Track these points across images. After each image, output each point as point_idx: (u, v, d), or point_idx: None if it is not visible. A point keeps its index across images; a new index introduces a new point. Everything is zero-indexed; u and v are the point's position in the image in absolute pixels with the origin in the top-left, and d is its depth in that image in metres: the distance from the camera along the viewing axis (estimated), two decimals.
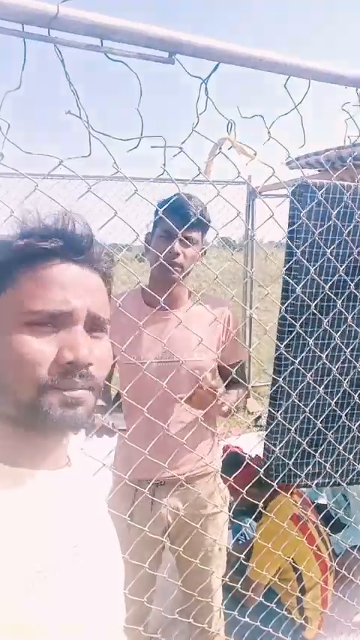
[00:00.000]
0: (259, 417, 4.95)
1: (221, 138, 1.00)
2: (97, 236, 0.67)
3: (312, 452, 1.70)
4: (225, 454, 2.59)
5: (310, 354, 1.62)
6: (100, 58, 0.85)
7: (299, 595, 2.07)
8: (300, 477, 1.72)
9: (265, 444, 1.71)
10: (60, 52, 0.82)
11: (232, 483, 1.68)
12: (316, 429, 1.67)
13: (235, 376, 1.49)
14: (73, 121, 0.85)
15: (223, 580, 1.65)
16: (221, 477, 1.85)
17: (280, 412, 1.61)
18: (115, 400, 1.62)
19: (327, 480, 1.82)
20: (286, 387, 1.58)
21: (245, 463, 1.77)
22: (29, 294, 0.59)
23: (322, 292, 1.51)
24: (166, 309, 1.43)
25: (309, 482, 1.76)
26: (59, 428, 0.60)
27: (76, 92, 0.85)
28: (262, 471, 1.68)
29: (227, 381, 1.57)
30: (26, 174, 0.88)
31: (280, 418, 1.59)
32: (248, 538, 2.74)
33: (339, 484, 1.84)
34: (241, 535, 2.79)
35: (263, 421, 4.94)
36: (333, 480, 1.82)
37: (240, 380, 1.56)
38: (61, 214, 0.63)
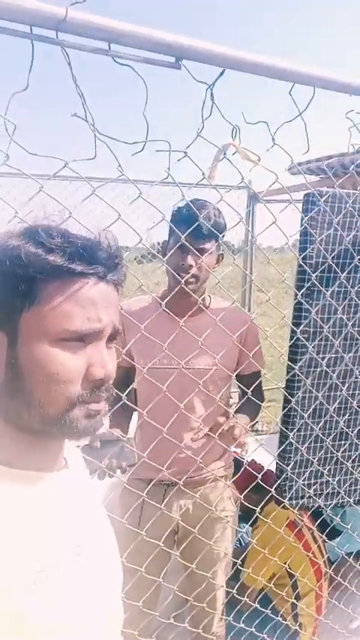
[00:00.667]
0: (257, 422, 4.95)
1: (226, 143, 1.00)
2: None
3: (326, 471, 1.67)
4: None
5: (322, 372, 1.60)
6: (106, 60, 0.85)
7: (294, 601, 2.06)
8: (313, 496, 1.70)
9: (277, 464, 1.68)
10: (67, 54, 0.82)
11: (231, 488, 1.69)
12: (328, 448, 1.65)
13: (249, 391, 1.49)
14: (78, 123, 0.85)
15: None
16: None
17: (293, 431, 1.59)
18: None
19: (342, 501, 1.79)
20: (299, 409, 1.57)
21: (243, 468, 1.77)
22: (64, 313, 0.59)
23: (335, 312, 1.51)
24: (183, 316, 1.44)
25: (325, 503, 1.73)
26: (80, 437, 0.63)
27: (83, 95, 0.85)
28: (273, 490, 1.66)
29: (243, 395, 1.58)
30: (31, 175, 0.88)
31: (293, 439, 1.57)
32: (244, 543, 2.74)
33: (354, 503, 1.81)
34: (237, 540, 2.79)
35: (259, 426, 4.94)
36: (348, 500, 1.80)
37: (254, 398, 1.57)
38: (95, 232, 0.63)
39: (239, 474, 1.73)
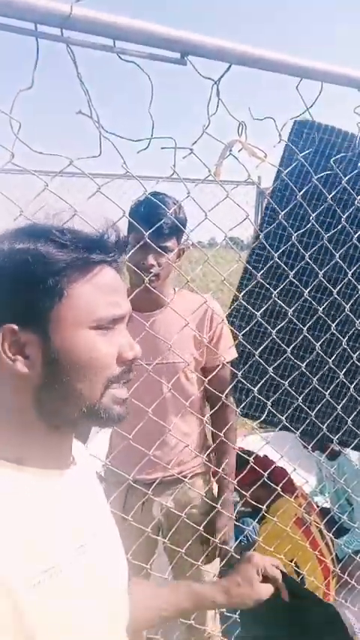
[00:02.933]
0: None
1: (232, 139, 1.00)
2: None
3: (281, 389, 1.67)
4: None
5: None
6: (111, 57, 0.85)
7: None
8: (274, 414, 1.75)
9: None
10: (72, 52, 0.82)
11: (235, 485, 1.68)
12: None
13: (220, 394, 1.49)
14: (84, 121, 0.85)
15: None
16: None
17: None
18: None
19: (306, 428, 1.82)
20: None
21: (246, 463, 1.77)
22: (94, 302, 0.62)
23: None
24: (148, 312, 1.45)
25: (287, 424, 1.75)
26: (105, 424, 0.65)
27: (88, 92, 0.85)
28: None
29: (205, 390, 1.58)
30: (34, 173, 0.88)
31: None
32: (251, 540, 2.74)
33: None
34: (244, 537, 2.79)
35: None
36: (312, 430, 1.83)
37: (227, 400, 1.56)
38: (105, 223, 0.65)
39: (246, 470, 1.73)
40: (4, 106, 0.78)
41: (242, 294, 1.61)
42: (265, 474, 1.63)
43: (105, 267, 0.64)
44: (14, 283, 0.60)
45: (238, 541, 2.75)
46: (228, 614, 1.61)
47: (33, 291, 0.60)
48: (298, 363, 1.59)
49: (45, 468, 0.63)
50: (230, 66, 0.94)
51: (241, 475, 1.70)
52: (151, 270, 1.40)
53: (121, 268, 0.69)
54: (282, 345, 1.56)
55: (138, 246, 1.26)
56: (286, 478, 2.04)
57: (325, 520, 2.45)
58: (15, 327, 0.59)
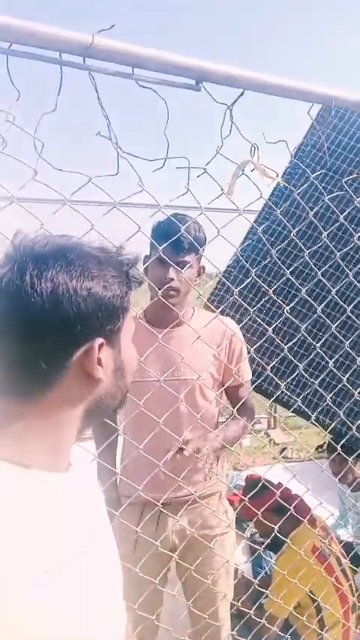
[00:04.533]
0: (285, 449, 4.85)
1: (244, 160, 1.04)
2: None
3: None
4: (254, 482, 2.54)
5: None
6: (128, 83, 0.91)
7: (319, 631, 1.98)
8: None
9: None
10: (94, 78, 0.88)
11: (254, 509, 1.66)
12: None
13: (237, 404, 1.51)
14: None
15: (233, 605, 1.61)
16: (245, 505, 1.81)
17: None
18: None
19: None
20: None
21: (265, 490, 1.75)
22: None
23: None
24: (166, 328, 1.46)
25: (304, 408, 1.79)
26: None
27: (108, 117, 0.90)
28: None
29: (234, 407, 1.58)
30: (56, 190, 0.93)
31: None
32: (269, 573, 2.66)
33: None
34: (262, 569, 2.71)
35: (289, 453, 4.84)
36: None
37: (242, 411, 1.57)
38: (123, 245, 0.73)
39: (264, 497, 1.71)
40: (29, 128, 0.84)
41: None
42: (278, 496, 1.60)
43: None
44: (100, 304, 0.65)
45: (260, 575, 2.69)
46: (240, 638, 1.57)
47: (113, 310, 0.67)
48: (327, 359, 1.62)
49: (49, 470, 0.64)
50: (243, 91, 0.99)
51: (259, 502, 1.67)
52: (172, 285, 1.43)
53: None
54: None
55: (152, 260, 1.31)
56: (306, 508, 2.00)
57: (351, 555, 2.37)
58: (102, 340, 0.66)
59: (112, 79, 0.92)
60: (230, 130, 1.00)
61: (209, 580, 1.51)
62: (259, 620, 1.63)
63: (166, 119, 0.94)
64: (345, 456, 2.02)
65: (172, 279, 1.44)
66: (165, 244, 1.24)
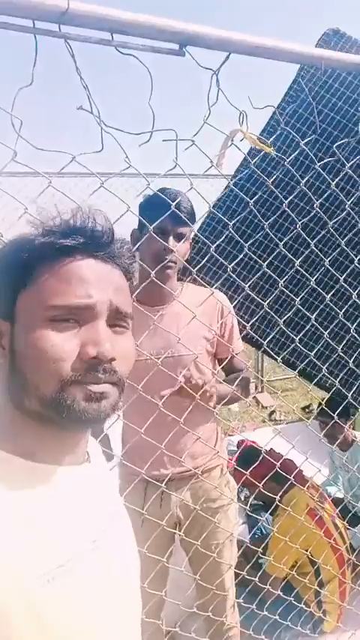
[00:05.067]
0: (274, 412, 4.94)
1: (233, 129, 0.99)
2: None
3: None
4: (241, 449, 2.59)
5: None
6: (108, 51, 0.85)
7: (317, 588, 2.06)
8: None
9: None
10: (70, 47, 0.82)
11: (249, 477, 1.68)
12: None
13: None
14: (84, 116, 0.85)
15: (239, 573, 1.65)
16: (238, 471, 1.85)
17: None
18: None
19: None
20: None
21: (261, 457, 1.77)
22: (51, 290, 0.59)
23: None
24: (158, 306, 1.43)
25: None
26: (83, 421, 0.60)
27: (87, 87, 0.84)
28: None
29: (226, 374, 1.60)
30: (39, 171, 0.88)
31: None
32: (264, 532, 2.74)
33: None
34: (257, 529, 2.79)
35: (277, 415, 4.93)
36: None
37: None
38: (81, 210, 0.63)
39: (257, 464, 1.73)
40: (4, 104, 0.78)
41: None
42: (278, 465, 1.62)
43: (78, 255, 0.61)
44: None
45: (251, 534, 2.77)
46: (246, 605, 1.62)
47: (10, 279, 0.61)
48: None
49: (56, 463, 0.63)
50: (229, 55, 0.94)
51: (252, 470, 1.70)
52: (168, 257, 1.38)
53: (120, 264, 0.66)
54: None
55: (148, 233, 1.26)
56: (297, 470, 2.05)
57: (339, 510, 2.45)
58: None
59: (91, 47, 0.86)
60: (217, 97, 0.95)
61: (214, 551, 1.54)
62: (253, 579, 1.68)
63: (150, 88, 0.88)
64: (332, 415, 2.06)
65: (172, 251, 1.39)
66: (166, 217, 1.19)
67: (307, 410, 4.96)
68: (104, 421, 0.63)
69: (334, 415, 1.79)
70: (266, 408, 5.08)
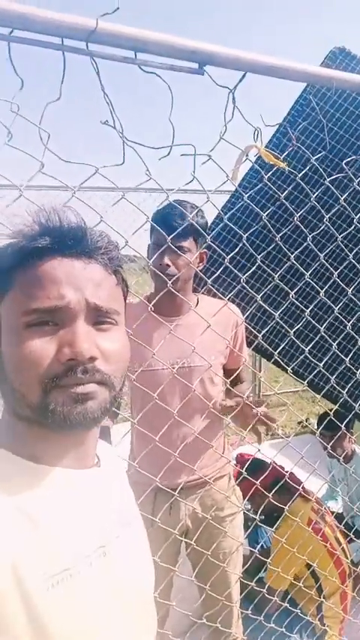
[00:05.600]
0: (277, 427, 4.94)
1: (248, 145, 1.03)
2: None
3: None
4: (246, 461, 2.59)
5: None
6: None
7: (322, 600, 2.05)
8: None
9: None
10: (96, 64, 0.85)
11: (258, 487, 1.69)
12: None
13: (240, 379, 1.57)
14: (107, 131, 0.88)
15: (245, 584, 1.65)
16: (241, 483, 1.85)
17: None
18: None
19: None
20: None
21: (261, 468, 1.78)
22: (26, 295, 0.58)
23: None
24: (174, 316, 1.46)
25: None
26: (70, 424, 0.58)
27: (111, 103, 0.88)
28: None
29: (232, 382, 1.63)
30: (64, 182, 0.91)
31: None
32: (266, 547, 2.73)
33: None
34: (257, 543, 2.78)
35: (275, 430, 4.93)
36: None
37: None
38: (48, 210, 0.61)
39: (258, 476, 1.74)
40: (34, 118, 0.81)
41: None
42: (287, 476, 1.63)
43: (49, 256, 0.60)
44: None
45: (254, 548, 2.75)
46: (253, 617, 1.61)
47: None
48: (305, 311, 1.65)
49: (60, 465, 0.62)
50: (245, 74, 0.98)
51: (250, 483, 1.70)
52: (167, 272, 1.41)
53: (102, 261, 0.64)
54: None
55: (151, 247, 1.29)
56: (297, 483, 2.05)
57: (343, 524, 2.45)
58: None
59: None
60: (233, 114, 0.99)
61: (221, 560, 1.54)
62: (261, 590, 1.68)
63: (171, 104, 0.91)
64: (340, 426, 2.08)
65: (168, 266, 1.43)
66: (164, 232, 1.22)
67: (303, 424, 4.97)
68: (94, 423, 0.61)
69: (341, 426, 1.82)
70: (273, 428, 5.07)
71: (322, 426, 2.54)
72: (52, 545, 0.57)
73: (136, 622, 0.68)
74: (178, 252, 1.33)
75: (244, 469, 2.19)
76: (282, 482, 1.87)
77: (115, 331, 0.64)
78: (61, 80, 0.82)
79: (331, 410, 2.13)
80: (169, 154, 0.93)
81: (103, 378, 0.60)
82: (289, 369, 1.70)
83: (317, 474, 2.19)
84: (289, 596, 2.07)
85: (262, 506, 1.93)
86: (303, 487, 2.23)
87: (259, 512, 2.38)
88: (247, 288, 1.39)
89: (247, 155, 1.03)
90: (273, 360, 1.64)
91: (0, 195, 3.19)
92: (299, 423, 5.06)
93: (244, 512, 1.73)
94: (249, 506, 2.98)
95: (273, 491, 1.80)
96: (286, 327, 1.48)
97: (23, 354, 0.57)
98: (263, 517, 2.67)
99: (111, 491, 0.72)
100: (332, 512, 2.62)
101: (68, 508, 0.61)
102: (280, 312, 1.48)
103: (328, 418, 2.11)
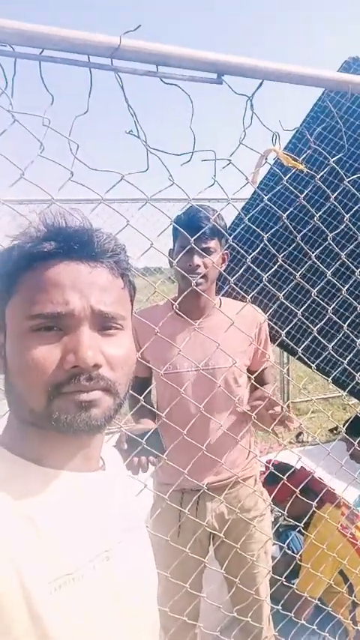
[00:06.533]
0: (301, 433, 4.91)
1: (267, 149, 1.06)
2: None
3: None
4: (271, 465, 2.59)
5: None
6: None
7: (352, 598, 2.03)
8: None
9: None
10: (120, 79, 0.91)
11: (287, 487, 1.69)
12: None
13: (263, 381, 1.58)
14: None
15: (274, 578, 1.65)
16: (269, 487, 1.86)
17: None
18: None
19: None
20: None
21: (290, 473, 1.79)
22: (30, 300, 0.58)
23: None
24: (198, 318, 1.50)
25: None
26: (74, 431, 0.58)
27: (135, 114, 0.93)
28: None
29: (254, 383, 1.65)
30: (93, 190, 0.96)
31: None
32: (295, 552, 2.71)
33: None
34: (288, 549, 2.76)
35: (304, 437, 4.89)
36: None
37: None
38: (54, 213, 0.61)
39: (287, 479, 1.75)
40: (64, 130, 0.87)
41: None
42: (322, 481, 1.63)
43: (54, 260, 0.59)
44: None
45: (282, 552, 2.74)
46: (284, 612, 1.62)
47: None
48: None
49: (64, 469, 0.62)
50: (262, 82, 1.02)
51: (282, 486, 1.71)
52: (198, 271, 1.45)
53: (109, 265, 0.63)
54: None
55: (177, 250, 1.33)
56: (326, 488, 2.05)
57: None
58: None
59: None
60: (251, 121, 1.03)
61: (249, 562, 1.55)
62: (289, 592, 1.68)
63: (191, 114, 0.96)
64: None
65: (199, 266, 1.47)
66: (190, 234, 1.26)
67: (334, 432, 4.91)
68: (98, 430, 0.60)
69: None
70: (293, 429, 5.04)
71: (348, 431, 2.52)
72: (56, 549, 0.56)
73: (137, 626, 0.67)
74: (205, 253, 1.37)
75: (272, 473, 2.20)
76: (309, 486, 1.87)
77: (120, 336, 0.63)
78: (89, 94, 0.87)
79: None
80: (190, 159, 0.97)
81: (107, 385, 0.60)
82: (313, 365, 1.71)
83: (348, 479, 2.19)
84: (322, 606, 2.05)
85: (290, 511, 1.93)
86: (332, 492, 2.22)
87: (289, 516, 2.39)
88: (269, 286, 1.42)
89: (265, 159, 1.07)
90: (297, 356, 1.66)
91: (30, 209, 3.32)
92: (330, 430, 5.01)
93: (274, 519, 1.73)
94: (279, 514, 2.97)
95: (300, 493, 1.81)
96: (308, 324, 1.51)
97: (27, 359, 0.57)
98: (292, 523, 2.66)
99: (115, 494, 0.71)
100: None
101: (72, 512, 0.61)
102: (303, 310, 1.51)
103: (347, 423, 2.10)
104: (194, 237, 1.27)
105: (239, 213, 1.80)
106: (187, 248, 1.34)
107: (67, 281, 0.58)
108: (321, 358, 1.77)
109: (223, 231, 1.49)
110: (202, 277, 1.46)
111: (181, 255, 1.39)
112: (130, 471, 1.24)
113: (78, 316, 0.58)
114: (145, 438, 1.25)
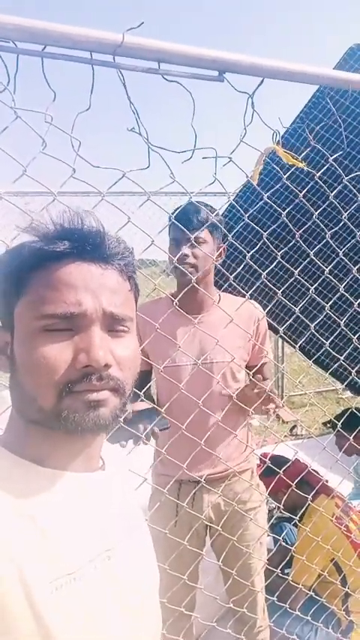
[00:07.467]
0: (295, 427, 4.95)
1: (268, 147, 1.07)
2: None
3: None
4: (269, 459, 2.62)
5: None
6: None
7: (345, 590, 2.06)
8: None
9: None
10: (123, 75, 0.91)
11: (283, 479, 1.72)
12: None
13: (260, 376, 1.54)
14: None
15: (270, 578, 1.68)
16: (264, 479, 1.88)
17: None
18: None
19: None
20: None
21: (286, 466, 1.81)
22: (42, 299, 0.58)
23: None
24: (196, 314, 1.50)
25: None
26: (82, 430, 0.58)
27: (137, 112, 0.93)
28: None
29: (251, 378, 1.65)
30: (94, 186, 0.96)
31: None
32: (289, 543, 2.74)
33: None
34: (283, 541, 2.79)
35: (299, 430, 4.93)
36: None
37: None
38: (68, 214, 0.61)
39: (283, 472, 1.77)
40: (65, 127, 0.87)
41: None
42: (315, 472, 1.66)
43: (67, 260, 0.59)
44: None
45: (277, 545, 2.77)
46: (279, 604, 1.64)
47: (2, 289, 0.61)
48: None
49: (66, 469, 0.63)
50: (263, 80, 1.02)
51: (277, 478, 1.73)
52: (187, 261, 1.45)
53: (119, 267, 0.63)
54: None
55: (169, 244, 1.33)
56: (321, 481, 2.07)
57: None
58: None
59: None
60: (252, 118, 1.04)
61: (244, 553, 1.58)
62: (284, 581, 1.70)
63: (193, 110, 0.97)
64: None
65: (187, 255, 1.46)
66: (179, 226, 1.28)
67: (328, 425, 4.96)
68: (104, 430, 0.61)
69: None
70: (287, 423, 5.09)
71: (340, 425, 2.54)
72: (57, 549, 0.57)
73: (138, 626, 0.67)
74: (194, 243, 1.38)
75: (267, 465, 2.22)
76: (304, 478, 1.89)
77: (127, 337, 0.64)
78: (91, 91, 0.87)
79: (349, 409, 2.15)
80: (191, 157, 0.98)
81: (116, 385, 0.61)
82: (297, 347, 1.74)
83: (342, 472, 2.22)
84: (311, 587, 2.08)
85: (285, 503, 1.96)
86: (326, 484, 2.25)
87: (284, 508, 2.42)
88: (269, 279, 1.44)
89: (266, 156, 1.07)
90: (299, 346, 1.69)
91: (26, 201, 3.30)
92: (324, 423, 5.06)
93: (269, 511, 1.76)
94: (272, 504, 3.01)
95: (295, 484, 1.83)
96: (309, 316, 1.53)
97: (38, 358, 0.57)
98: (286, 514, 2.70)
99: (116, 494, 0.72)
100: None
101: (74, 512, 0.61)
102: (304, 303, 1.52)
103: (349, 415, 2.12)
104: (185, 229, 1.29)
105: (235, 211, 1.82)
106: (177, 240, 1.36)
107: (79, 282, 0.59)
108: (310, 341, 1.80)
109: (217, 223, 1.49)
110: (191, 267, 1.46)
111: (172, 248, 1.40)
112: (133, 440, 1.25)
113: (90, 317, 0.59)
114: (149, 412, 1.31)
